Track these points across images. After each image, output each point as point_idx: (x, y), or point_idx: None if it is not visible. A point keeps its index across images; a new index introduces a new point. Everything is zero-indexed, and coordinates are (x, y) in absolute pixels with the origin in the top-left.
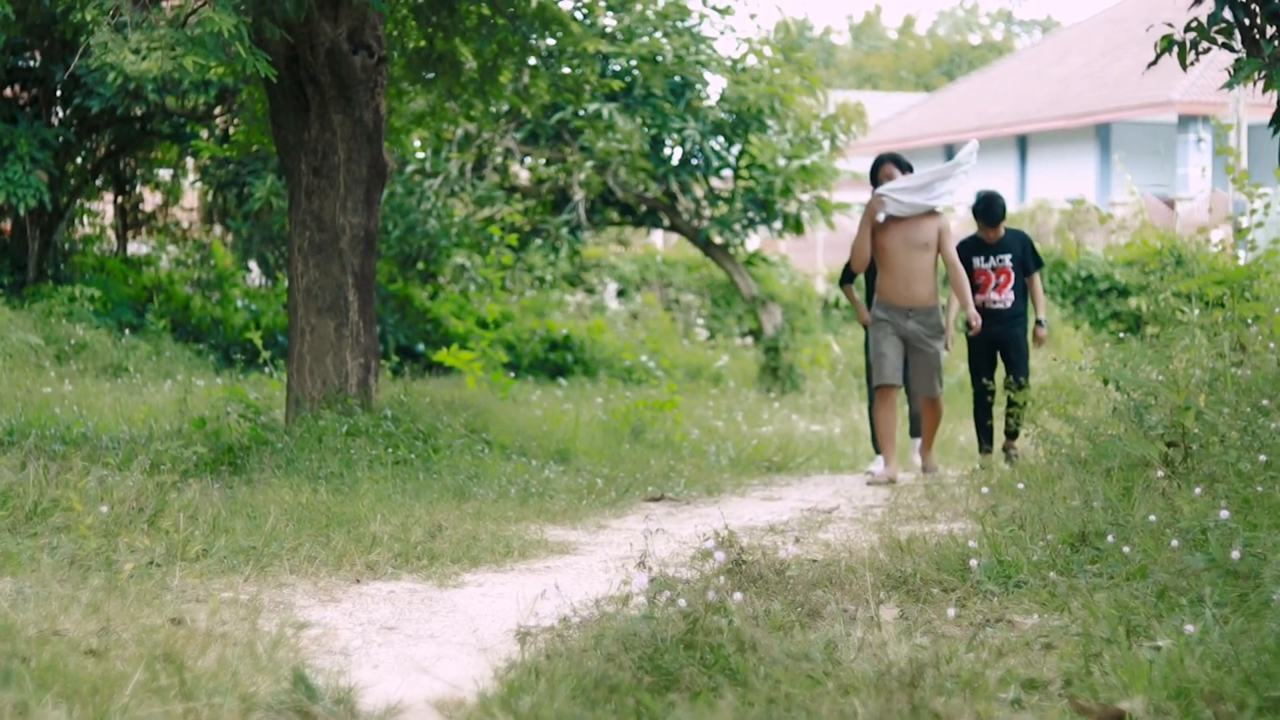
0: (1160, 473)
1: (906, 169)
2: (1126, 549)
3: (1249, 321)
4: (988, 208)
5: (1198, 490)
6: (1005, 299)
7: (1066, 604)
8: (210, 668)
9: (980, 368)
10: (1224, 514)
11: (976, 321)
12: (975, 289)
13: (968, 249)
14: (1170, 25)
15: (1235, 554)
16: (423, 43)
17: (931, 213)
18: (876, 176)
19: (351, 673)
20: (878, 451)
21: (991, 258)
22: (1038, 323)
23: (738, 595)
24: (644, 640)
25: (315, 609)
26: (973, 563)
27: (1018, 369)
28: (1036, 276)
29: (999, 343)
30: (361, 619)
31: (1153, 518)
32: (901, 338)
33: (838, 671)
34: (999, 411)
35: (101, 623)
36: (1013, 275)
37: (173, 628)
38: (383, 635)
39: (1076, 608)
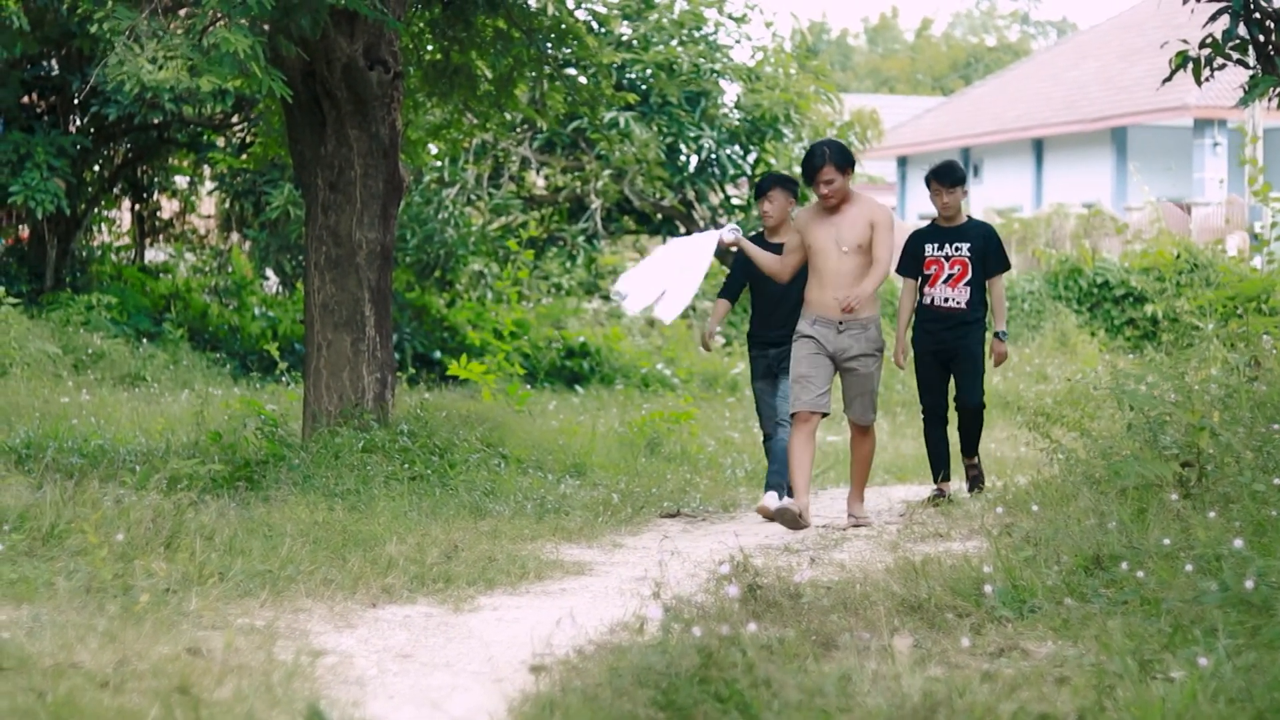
0: (1174, 495)
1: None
2: (1141, 574)
3: (1265, 334)
4: (946, 168)
5: (1212, 514)
6: (958, 297)
7: (1081, 632)
8: (226, 700)
9: (929, 383)
10: (1238, 543)
11: (900, 358)
12: (923, 282)
13: (920, 236)
14: (1185, 41)
15: (1249, 584)
16: (439, 56)
17: (863, 202)
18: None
19: (367, 704)
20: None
21: (946, 245)
22: (997, 335)
23: (752, 626)
24: (658, 674)
25: (331, 635)
26: (987, 588)
27: (969, 388)
28: (1000, 279)
29: (948, 353)
30: (377, 646)
31: (1167, 541)
32: (830, 357)
33: (851, 706)
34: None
35: (118, 653)
36: (970, 269)
37: (189, 658)
38: (398, 664)
39: (1090, 637)
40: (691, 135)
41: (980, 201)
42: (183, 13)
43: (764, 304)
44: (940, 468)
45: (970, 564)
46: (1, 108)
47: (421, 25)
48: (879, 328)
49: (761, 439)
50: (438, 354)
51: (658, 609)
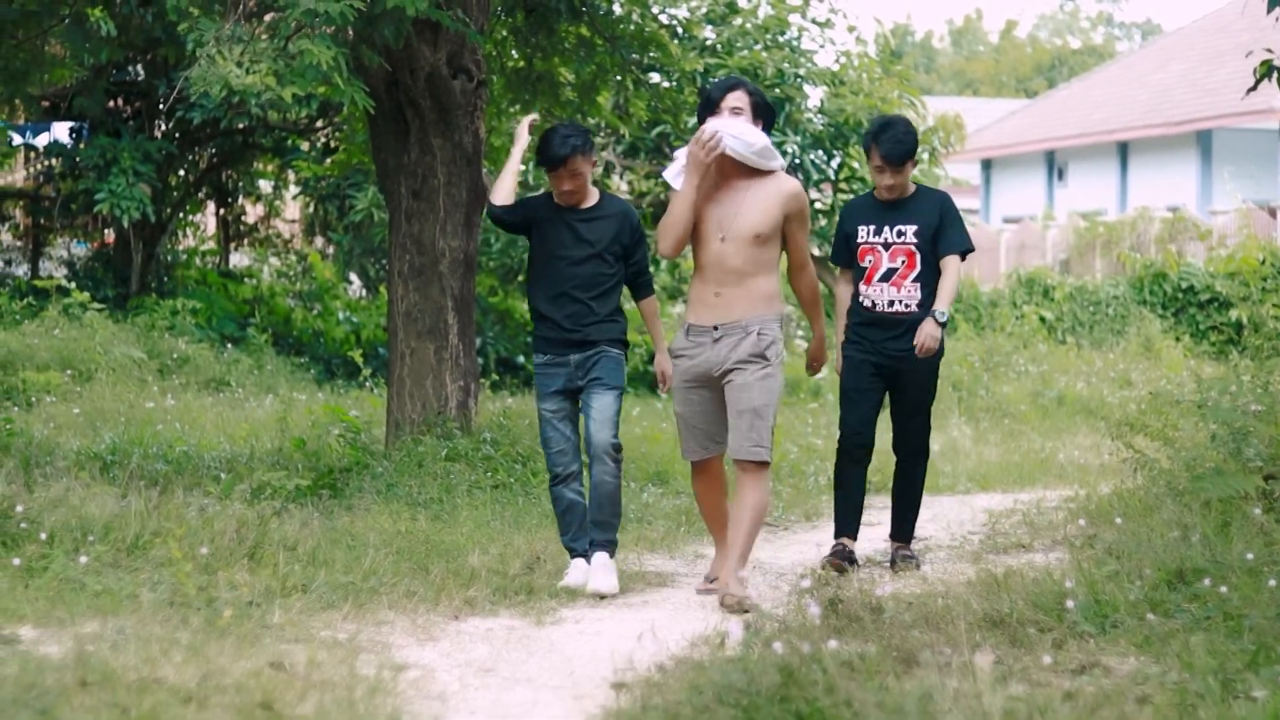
0: (1258, 508)
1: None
2: (1224, 589)
3: None
4: (883, 130)
5: None
6: (906, 299)
7: (1163, 649)
8: (309, 716)
9: (856, 396)
10: None
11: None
12: (859, 277)
13: (853, 214)
14: (1270, 50)
15: None
16: (522, 63)
17: (771, 183)
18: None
19: None
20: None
21: (885, 229)
22: (932, 314)
23: (833, 642)
24: (739, 691)
25: (413, 649)
26: (1069, 603)
27: (912, 423)
28: (954, 259)
29: (891, 372)
30: (459, 660)
31: (1250, 556)
32: (707, 380)
33: None
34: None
35: (202, 668)
36: (919, 260)
37: (272, 673)
38: (480, 678)
39: (1173, 654)
40: (775, 140)
41: (1064, 204)
42: (267, 18)
43: (555, 286)
44: (847, 519)
45: (1052, 578)
46: (88, 114)
47: (504, 33)
48: (773, 333)
49: (549, 482)
50: (521, 358)
51: (738, 625)
